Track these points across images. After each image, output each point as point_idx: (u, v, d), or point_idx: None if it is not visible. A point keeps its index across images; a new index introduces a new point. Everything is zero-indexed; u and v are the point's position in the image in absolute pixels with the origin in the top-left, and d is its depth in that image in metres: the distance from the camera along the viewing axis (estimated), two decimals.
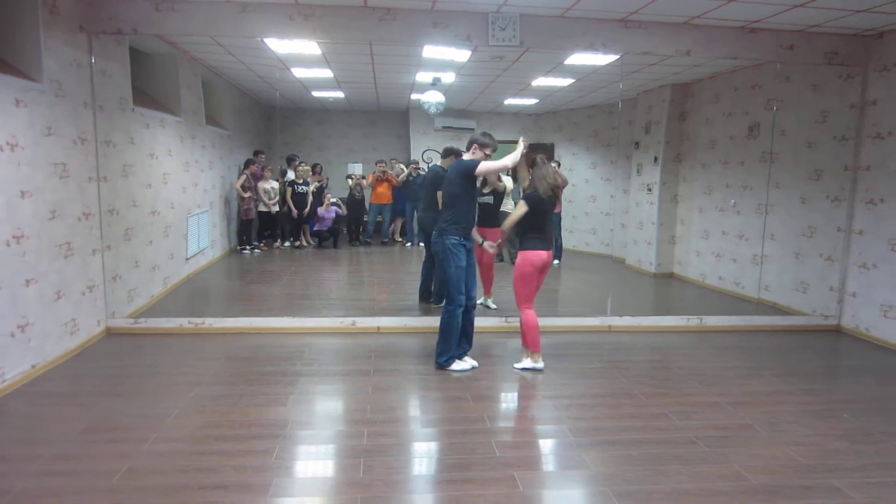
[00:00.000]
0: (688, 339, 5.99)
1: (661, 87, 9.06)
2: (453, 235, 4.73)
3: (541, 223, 4.78)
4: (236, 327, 5.79)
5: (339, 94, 10.51)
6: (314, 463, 3.37)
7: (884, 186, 5.91)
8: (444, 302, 4.87)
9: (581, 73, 7.96)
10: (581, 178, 11.23)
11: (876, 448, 3.64)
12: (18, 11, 4.48)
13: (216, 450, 3.41)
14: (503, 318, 6.04)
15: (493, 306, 6.65)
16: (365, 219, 11.54)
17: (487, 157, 4.72)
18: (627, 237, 10.18)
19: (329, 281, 8.71)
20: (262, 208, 9.97)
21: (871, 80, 6.09)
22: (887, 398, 4.55)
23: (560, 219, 9.74)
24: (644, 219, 9.58)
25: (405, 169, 11.16)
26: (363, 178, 11.37)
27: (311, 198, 10.52)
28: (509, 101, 10.60)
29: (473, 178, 4.75)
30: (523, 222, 4.73)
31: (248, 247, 9.89)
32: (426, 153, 11.89)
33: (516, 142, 4.80)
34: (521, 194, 4.91)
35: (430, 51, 6.65)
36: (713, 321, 6.39)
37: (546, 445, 3.69)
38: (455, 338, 4.83)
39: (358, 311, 6.59)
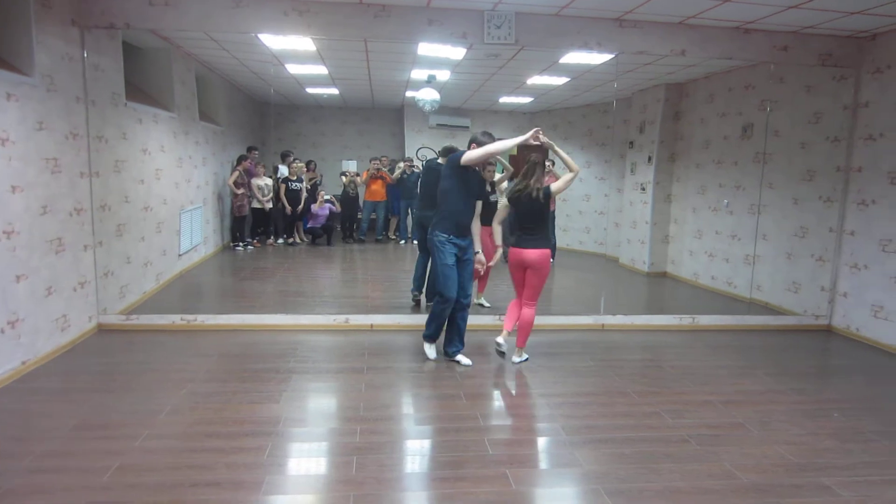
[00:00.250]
0: (680, 338, 6.02)
1: (655, 87, 9.08)
2: (442, 232, 4.74)
3: (522, 221, 4.82)
4: (229, 324, 5.77)
5: (334, 91, 10.48)
6: (307, 460, 3.36)
7: (875, 188, 5.94)
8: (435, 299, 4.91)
9: (576, 72, 7.97)
10: None
11: (865, 447, 3.67)
12: (10, 5, 4.45)
13: (208, 447, 3.40)
14: (496, 316, 6.05)
15: (487, 304, 6.66)
16: (359, 216, 11.52)
17: None
18: (621, 236, 10.21)
19: (322, 278, 8.69)
20: (255, 205, 9.94)
21: (863, 81, 6.12)
22: (877, 398, 4.58)
23: (554, 217, 9.75)
24: (638, 218, 9.60)
25: (401, 166, 11.13)
26: (357, 175, 11.35)
27: (304, 194, 10.50)
28: (504, 100, 10.59)
29: (464, 171, 4.71)
30: (510, 220, 4.89)
31: (241, 243, 9.86)
32: (420, 151, 11.87)
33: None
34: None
35: (425, 48, 6.63)
36: (705, 320, 6.41)
37: (539, 443, 3.70)
38: (438, 325, 4.93)
39: (351, 308, 6.58)
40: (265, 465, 3.23)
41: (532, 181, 4.75)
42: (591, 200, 11.13)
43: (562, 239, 10.93)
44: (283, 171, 10.57)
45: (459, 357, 4.93)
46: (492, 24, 5.62)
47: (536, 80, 8.55)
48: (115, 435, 3.51)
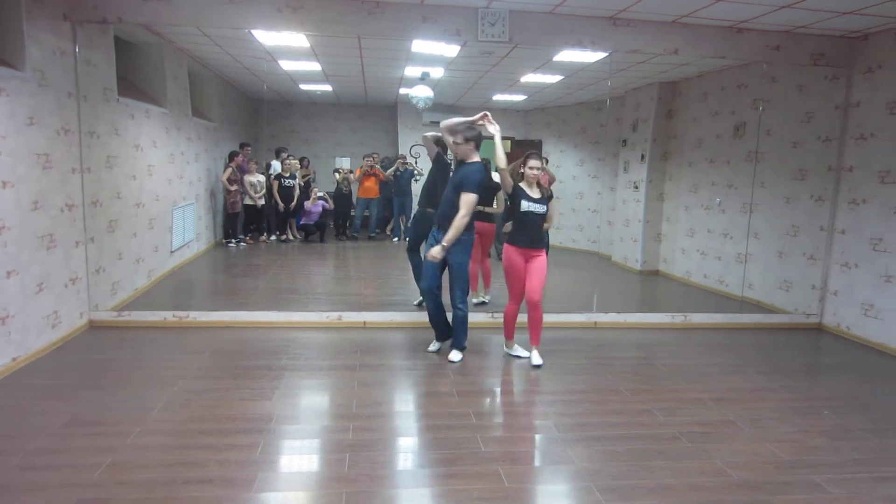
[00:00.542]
0: (672, 336, 6.04)
1: (648, 85, 9.11)
2: (434, 228, 4.94)
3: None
4: (221, 321, 5.76)
5: (327, 88, 10.46)
6: (299, 457, 3.36)
7: (866, 187, 5.98)
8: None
9: (570, 70, 7.98)
10: (568, 174, 11.26)
11: (855, 444, 3.70)
12: None
13: (201, 444, 3.40)
14: (489, 314, 6.06)
15: (486, 300, 6.65)
16: (352, 213, 11.50)
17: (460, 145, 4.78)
18: (614, 234, 10.24)
19: (315, 275, 8.68)
20: (247, 201, 9.90)
21: (855, 81, 6.15)
22: (867, 396, 4.62)
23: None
24: (630, 216, 9.63)
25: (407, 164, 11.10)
26: (350, 172, 11.33)
27: (297, 191, 10.48)
28: (498, 97, 10.59)
29: (440, 164, 5.23)
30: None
31: (233, 240, 9.83)
32: (414, 148, 11.86)
33: (504, 139, 4.82)
34: (538, 196, 4.86)
35: (419, 45, 6.62)
36: (697, 318, 6.44)
37: (531, 441, 3.71)
38: (438, 325, 5.08)
39: (344, 305, 6.58)
40: (257, 462, 3.22)
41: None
42: (585, 198, 11.15)
43: (555, 237, 10.92)
44: (276, 167, 10.54)
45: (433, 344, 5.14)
46: (486, 22, 5.61)
47: (530, 77, 8.55)
48: (106, 432, 3.50)
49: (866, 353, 5.72)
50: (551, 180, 7.70)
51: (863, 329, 6.02)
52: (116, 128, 6.01)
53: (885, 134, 5.78)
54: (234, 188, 9.56)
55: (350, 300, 7.00)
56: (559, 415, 3.99)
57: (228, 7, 5.37)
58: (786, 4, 5.16)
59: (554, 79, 8.59)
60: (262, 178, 10.14)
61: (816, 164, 6.50)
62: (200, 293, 7.43)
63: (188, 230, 8.32)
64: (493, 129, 4.75)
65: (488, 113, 4.76)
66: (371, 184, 11.10)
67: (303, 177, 10.79)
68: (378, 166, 11.10)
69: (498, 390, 4.54)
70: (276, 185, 10.25)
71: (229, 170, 9.50)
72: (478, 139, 4.79)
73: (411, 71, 8.44)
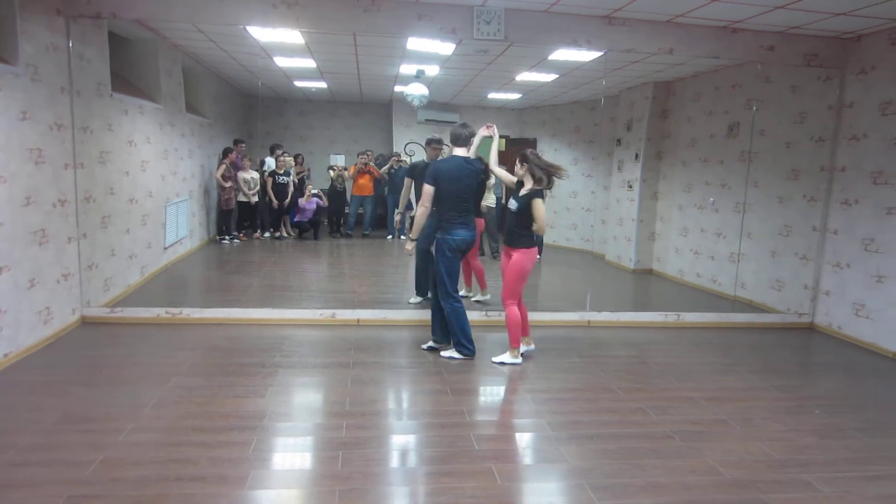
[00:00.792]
0: (665, 335, 6.06)
1: (643, 85, 9.12)
2: None
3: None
4: (215, 318, 5.74)
5: (322, 85, 10.43)
6: (292, 455, 3.36)
7: (858, 187, 6.01)
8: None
9: (565, 69, 7.98)
10: None
11: (845, 443, 3.72)
12: None
13: (193, 441, 3.39)
14: (483, 313, 6.07)
15: (477, 298, 6.66)
16: (346, 210, 11.49)
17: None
18: (607, 233, 10.26)
19: (309, 272, 8.67)
20: (241, 198, 9.87)
21: (848, 82, 6.18)
22: (858, 395, 4.65)
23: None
24: (624, 215, 9.65)
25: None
26: (345, 169, 11.31)
27: (292, 188, 10.45)
28: (493, 96, 10.59)
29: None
30: (526, 218, 4.73)
31: (227, 237, 9.80)
32: (408, 146, 11.85)
33: (500, 137, 4.85)
34: (521, 193, 4.81)
35: (415, 43, 6.62)
36: (690, 318, 6.46)
37: (524, 439, 3.72)
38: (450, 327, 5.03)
39: (338, 303, 6.57)
40: (250, 459, 3.22)
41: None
42: (579, 197, 11.17)
43: (549, 235, 10.97)
44: (270, 163, 10.51)
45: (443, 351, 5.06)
46: (481, 20, 5.61)
47: (525, 76, 8.55)
48: (99, 428, 3.49)
49: (857, 353, 5.75)
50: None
51: (854, 329, 6.06)
52: (110, 123, 5.98)
53: (877, 135, 5.82)
54: (228, 185, 9.53)
55: (344, 297, 6.99)
56: (552, 413, 4.00)
57: (223, 3, 5.35)
58: (780, 5, 5.18)
59: (549, 77, 8.60)
60: (256, 174, 10.10)
61: (809, 164, 6.54)
62: (194, 290, 7.41)
63: (182, 227, 8.29)
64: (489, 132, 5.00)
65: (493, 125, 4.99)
66: (365, 181, 11.09)
67: (297, 174, 10.77)
68: (372, 164, 11.09)
69: (491, 388, 4.55)
70: (270, 181, 10.22)
71: (223, 166, 9.47)
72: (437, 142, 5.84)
73: (406, 68, 8.43)
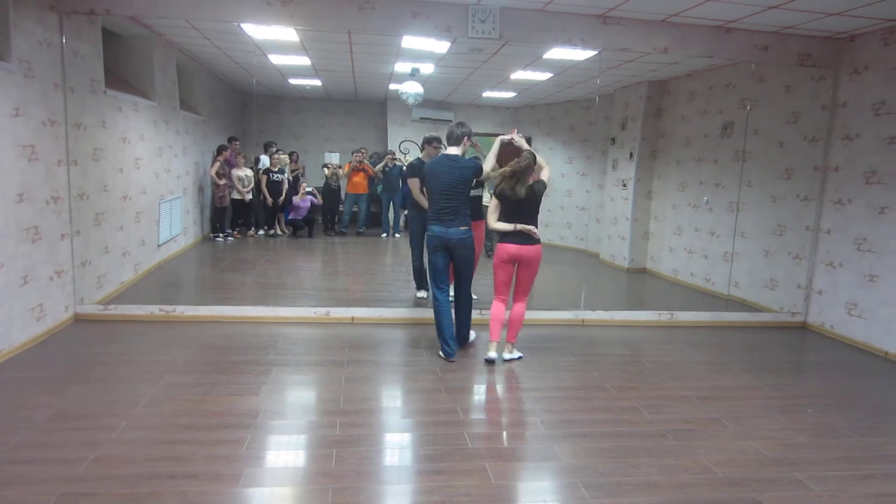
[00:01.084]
0: (659, 333, 6.08)
1: (637, 84, 9.14)
2: None
3: (509, 215, 4.93)
4: (209, 315, 5.73)
5: (317, 83, 10.42)
6: (286, 453, 3.36)
7: (851, 187, 6.04)
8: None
9: (559, 68, 7.99)
10: (557, 172, 11.28)
11: (838, 442, 3.74)
12: None
13: (187, 439, 3.38)
14: (477, 311, 6.06)
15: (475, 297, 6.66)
16: (340, 208, 11.47)
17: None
18: (602, 232, 10.28)
19: (303, 270, 8.65)
20: (235, 196, 9.85)
21: (841, 82, 6.21)
22: (850, 394, 4.67)
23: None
24: (618, 214, 9.67)
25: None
26: (339, 167, 11.30)
27: (286, 186, 10.43)
28: (488, 94, 10.60)
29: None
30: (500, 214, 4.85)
31: (221, 234, 9.78)
32: (403, 144, 11.84)
33: (494, 135, 4.87)
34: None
35: (409, 41, 6.62)
36: (684, 317, 6.48)
37: (518, 437, 3.72)
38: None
39: (332, 301, 6.56)
40: (244, 457, 3.22)
41: (514, 183, 4.78)
42: (573, 196, 11.19)
43: (543, 234, 10.85)
44: (265, 161, 10.49)
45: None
46: (476, 19, 5.61)
47: (520, 75, 8.56)
48: (92, 426, 3.48)
49: (850, 352, 5.78)
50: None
51: (847, 328, 6.09)
52: (103, 120, 5.96)
53: (870, 135, 5.84)
54: (222, 182, 9.51)
55: (338, 296, 6.99)
56: (546, 412, 4.01)
57: (218, 0, 5.33)
58: (774, 5, 5.20)
59: (543, 76, 8.61)
60: (249, 172, 10.08)
61: (803, 163, 6.56)
62: (187, 287, 7.39)
63: (175, 224, 8.27)
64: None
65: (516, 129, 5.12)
66: (360, 179, 11.07)
67: (292, 172, 10.75)
68: (367, 162, 11.08)
69: (485, 387, 4.55)
70: (264, 179, 10.20)
71: (217, 164, 9.45)
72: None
73: (401, 67, 8.43)
